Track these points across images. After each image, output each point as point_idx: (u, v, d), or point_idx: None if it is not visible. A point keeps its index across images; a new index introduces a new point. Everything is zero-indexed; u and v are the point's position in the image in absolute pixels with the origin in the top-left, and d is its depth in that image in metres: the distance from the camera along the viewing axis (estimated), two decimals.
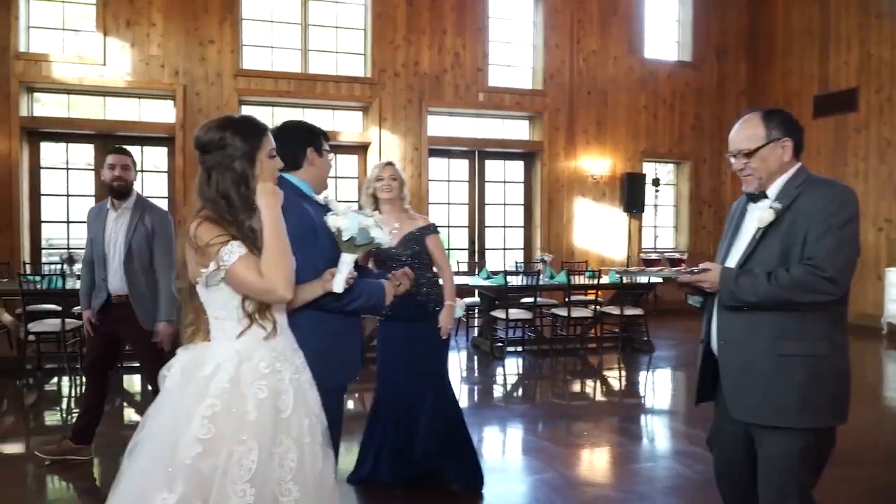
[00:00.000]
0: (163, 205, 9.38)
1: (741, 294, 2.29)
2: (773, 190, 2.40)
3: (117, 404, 5.84)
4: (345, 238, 2.28)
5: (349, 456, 3.95)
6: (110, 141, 9.15)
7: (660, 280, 2.52)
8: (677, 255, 2.55)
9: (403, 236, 3.71)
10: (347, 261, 2.30)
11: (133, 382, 6.46)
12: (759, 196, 2.43)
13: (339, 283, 2.28)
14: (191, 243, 2.00)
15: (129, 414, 5.73)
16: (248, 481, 1.89)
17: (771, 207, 2.33)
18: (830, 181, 2.41)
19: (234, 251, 1.96)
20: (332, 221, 2.31)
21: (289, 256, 2.04)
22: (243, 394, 1.96)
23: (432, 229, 3.79)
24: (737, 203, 2.61)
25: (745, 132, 2.43)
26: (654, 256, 2.60)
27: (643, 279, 7.51)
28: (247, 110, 9.79)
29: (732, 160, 2.47)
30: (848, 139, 10.30)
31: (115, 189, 4.12)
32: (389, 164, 3.80)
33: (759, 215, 2.38)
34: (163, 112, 9.52)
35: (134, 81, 9.09)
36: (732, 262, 2.45)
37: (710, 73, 11.76)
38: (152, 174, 9.60)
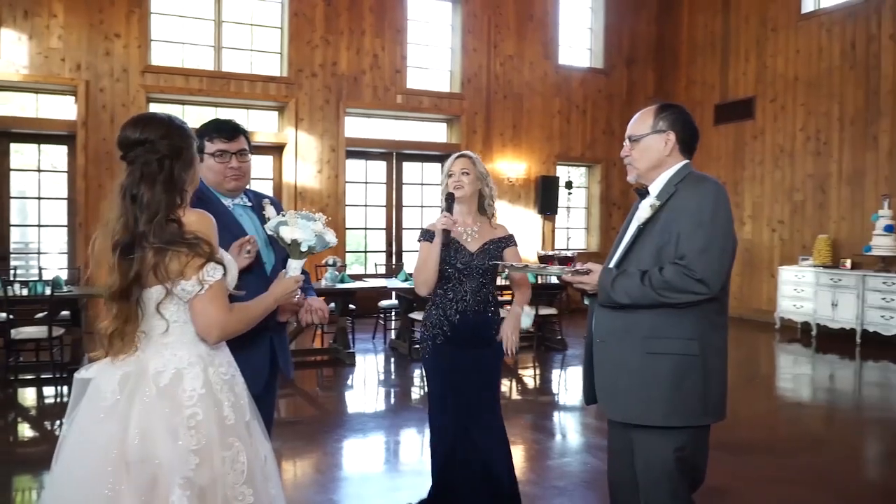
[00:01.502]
0: (62, 206, 9.01)
1: (616, 296, 2.26)
2: (655, 186, 2.38)
3: (11, 419, 5.52)
4: (303, 250, 2.27)
5: None
6: (3, 138, 8.65)
7: (553, 278, 2.54)
8: (568, 254, 2.54)
9: (483, 244, 3.17)
10: (296, 266, 2.30)
11: (27, 396, 6.09)
12: (646, 193, 2.41)
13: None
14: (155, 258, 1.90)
15: (24, 430, 5.42)
16: (245, 483, 1.89)
17: (650, 205, 2.31)
18: (702, 178, 2.33)
19: (217, 272, 1.94)
20: (286, 233, 2.28)
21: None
22: (218, 398, 1.93)
23: (513, 241, 3.27)
24: (634, 204, 2.56)
25: (637, 120, 2.44)
26: (546, 254, 2.60)
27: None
28: (155, 108, 9.45)
29: (624, 146, 2.48)
30: (745, 145, 10.90)
31: None
32: (461, 155, 3.20)
33: (638, 213, 2.38)
34: (63, 108, 9.05)
35: (30, 75, 8.59)
36: (614, 260, 2.42)
37: (620, 80, 12.18)
38: (51, 174, 9.11)
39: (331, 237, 2.36)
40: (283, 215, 2.38)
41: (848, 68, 9.48)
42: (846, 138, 9.52)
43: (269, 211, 2.68)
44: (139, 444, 1.81)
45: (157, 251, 1.88)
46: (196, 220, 1.95)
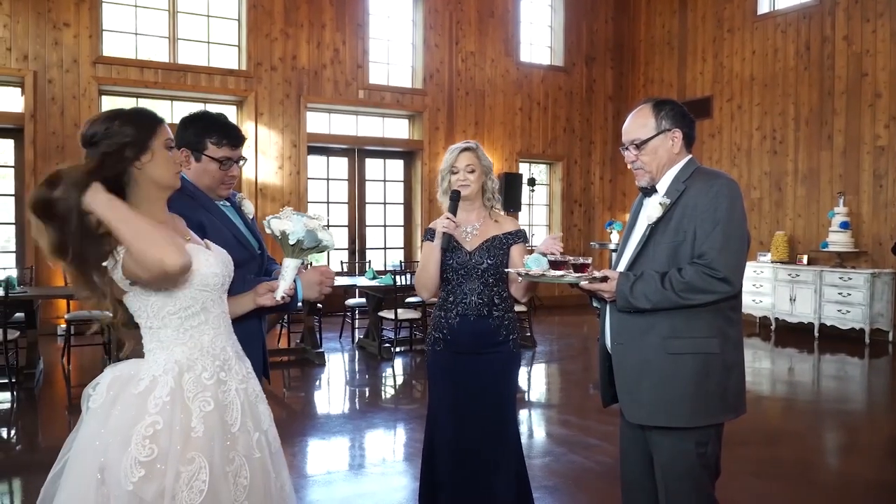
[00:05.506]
0: (9, 203, 8.60)
1: (636, 301, 2.20)
2: (662, 184, 2.32)
3: None
4: (291, 242, 2.15)
5: None
6: None
7: (565, 283, 2.42)
8: (582, 260, 2.43)
9: (482, 241, 2.88)
10: (292, 266, 2.18)
11: None
12: (651, 191, 2.35)
13: (281, 291, 2.19)
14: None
15: None
16: None
17: (659, 203, 2.25)
18: (714, 173, 2.31)
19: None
20: (276, 225, 2.16)
21: (154, 230, 1.73)
22: (187, 407, 1.80)
23: (521, 236, 2.97)
24: (636, 200, 2.51)
25: (636, 123, 2.35)
26: (559, 259, 2.48)
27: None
28: (107, 100, 9.12)
29: (625, 153, 2.38)
30: (703, 143, 11.06)
31: None
32: (467, 149, 2.91)
33: (647, 212, 2.30)
34: (9, 100, 8.63)
35: None
36: (625, 260, 2.35)
37: (579, 78, 12.25)
38: None
39: (325, 235, 2.19)
40: (282, 210, 2.27)
41: (803, 69, 9.71)
42: (801, 137, 9.75)
43: (247, 206, 2.58)
44: (104, 449, 1.74)
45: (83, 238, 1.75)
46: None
